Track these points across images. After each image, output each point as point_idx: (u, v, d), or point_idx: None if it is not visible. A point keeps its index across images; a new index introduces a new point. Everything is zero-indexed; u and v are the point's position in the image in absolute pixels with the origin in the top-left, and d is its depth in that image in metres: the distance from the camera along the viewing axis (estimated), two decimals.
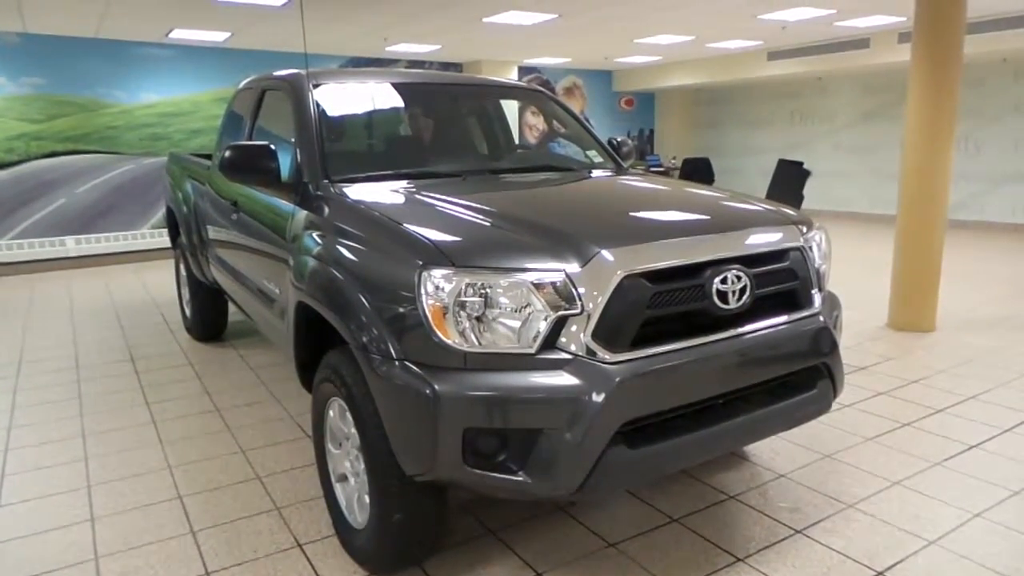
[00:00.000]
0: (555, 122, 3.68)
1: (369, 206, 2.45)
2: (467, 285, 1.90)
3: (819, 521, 2.66)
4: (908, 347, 4.80)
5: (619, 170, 3.41)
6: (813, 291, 2.39)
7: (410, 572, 2.37)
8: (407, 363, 1.95)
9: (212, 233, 4.18)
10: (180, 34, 7.95)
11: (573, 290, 1.90)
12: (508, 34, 8.33)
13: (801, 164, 9.86)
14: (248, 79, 4.02)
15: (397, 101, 3.30)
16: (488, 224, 2.18)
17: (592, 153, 3.56)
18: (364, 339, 2.06)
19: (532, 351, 1.89)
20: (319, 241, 2.47)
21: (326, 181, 2.74)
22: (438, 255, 1.96)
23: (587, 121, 3.69)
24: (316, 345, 2.66)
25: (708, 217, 2.32)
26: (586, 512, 2.74)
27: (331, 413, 2.48)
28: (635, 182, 3.00)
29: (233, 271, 3.80)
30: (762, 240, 2.26)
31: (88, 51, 8.23)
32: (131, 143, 8.58)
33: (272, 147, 2.83)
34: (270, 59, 9.18)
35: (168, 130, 8.76)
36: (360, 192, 2.63)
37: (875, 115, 11.22)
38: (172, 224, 5.30)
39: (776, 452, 3.21)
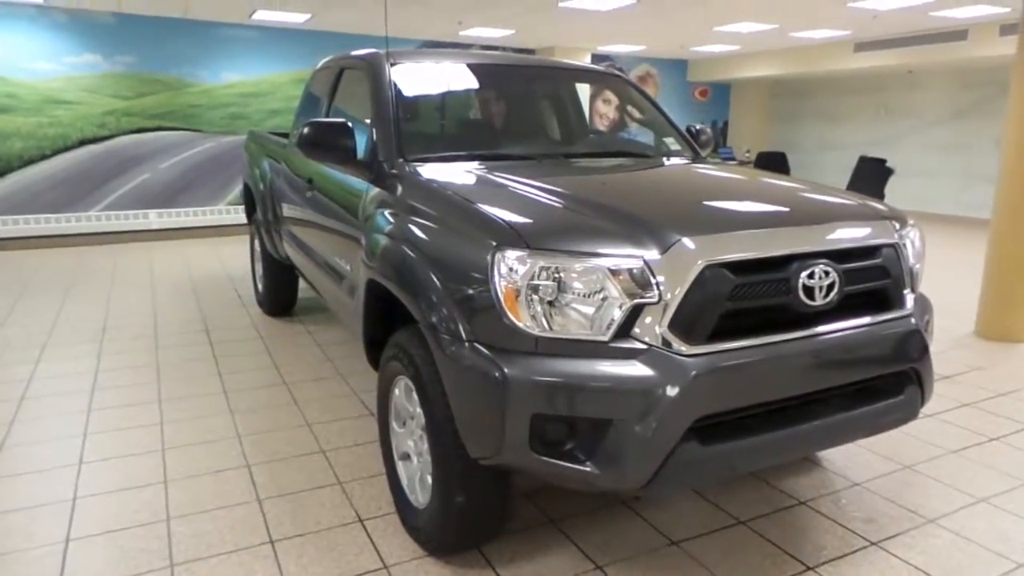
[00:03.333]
0: (632, 107, 3.58)
1: (443, 185, 2.43)
2: (541, 268, 1.86)
3: (897, 535, 2.52)
4: (997, 357, 4.51)
5: (696, 158, 3.30)
6: (905, 291, 2.25)
7: (468, 555, 2.36)
8: (477, 345, 1.93)
9: (286, 210, 4.27)
10: (262, 15, 8.15)
11: (651, 278, 1.84)
12: (583, 19, 8.20)
13: (884, 162, 9.39)
14: (326, 59, 4.07)
15: (473, 82, 3.27)
16: (563, 207, 2.13)
17: (670, 140, 3.45)
18: (434, 319, 2.05)
19: (605, 339, 1.84)
20: (392, 219, 2.47)
21: (401, 160, 2.74)
22: (513, 236, 1.92)
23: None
24: (385, 323, 2.68)
25: (795, 209, 2.21)
26: (650, 508, 2.68)
27: (397, 392, 2.48)
28: (714, 170, 2.89)
29: (305, 247, 3.87)
30: (853, 235, 2.14)
31: (176, 31, 8.53)
32: (212, 121, 8.87)
33: (349, 125, 2.85)
34: (347, 41, 9.32)
35: (247, 110, 9.01)
36: (434, 171, 2.62)
37: (968, 112, 10.58)
38: (249, 200, 5.45)
39: (852, 459, 3.07)
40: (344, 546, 2.43)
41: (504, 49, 10.60)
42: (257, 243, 5.29)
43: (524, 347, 1.87)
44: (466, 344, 1.95)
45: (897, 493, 2.81)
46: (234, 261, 7.45)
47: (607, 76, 3.67)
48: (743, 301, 1.91)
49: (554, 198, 2.21)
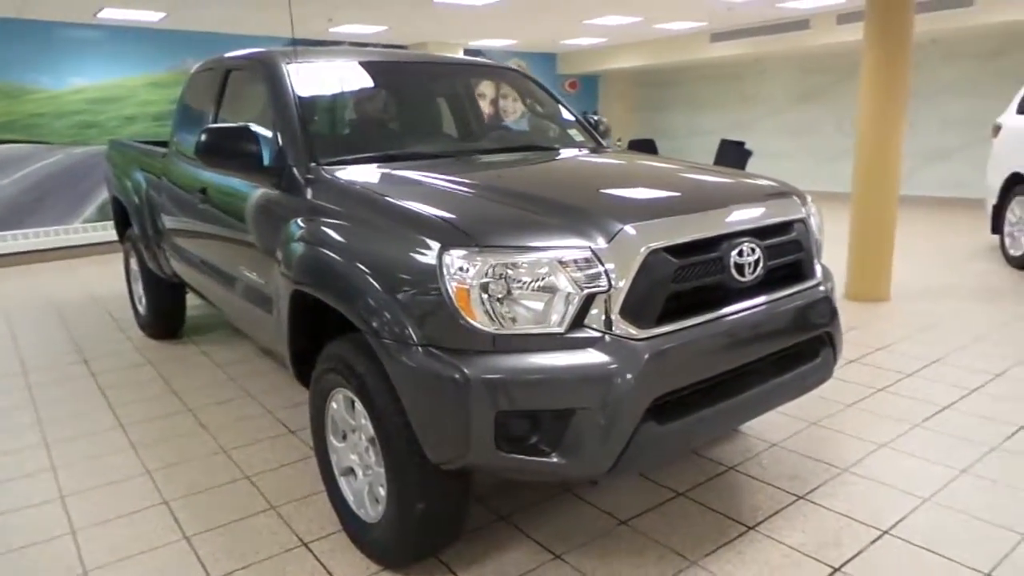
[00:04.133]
0: (533, 101, 3.62)
1: (367, 187, 2.35)
2: (492, 265, 1.84)
3: (818, 486, 2.73)
4: (868, 316, 4.99)
5: (599, 148, 3.39)
6: (814, 262, 2.43)
7: (428, 563, 2.31)
8: (431, 349, 1.88)
9: (172, 223, 3.96)
10: (110, 14, 7.48)
11: (600, 267, 1.87)
12: (456, 15, 8.19)
13: (743, 144, 10.09)
14: (206, 61, 3.81)
15: (374, 81, 3.17)
16: (498, 203, 2.13)
17: (573, 132, 3.53)
18: (379, 326, 1.97)
19: (561, 331, 1.86)
20: (316, 227, 2.36)
21: (313, 164, 2.62)
22: (459, 235, 1.89)
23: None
24: (311, 336, 2.56)
25: (716, 191, 2.33)
26: (592, 493, 2.73)
27: (334, 405, 2.38)
28: (629, 159, 2.98)
29: (199, 262, 3.61)
30: (770, 213, 2.29)
31: (10, 33, 7.65)
32: (59, 132, 8.06)
33: (252, 129, 2.68)
34: (206, 41, 8.76)
35: (99, 118, 8.26)
36: (352, 174, 2.53)
37: (813, 97, 11.59)
38: (120, 216, 5.00)
39: (765, 422, 3.28)
40: (293, 572, 2.30)
41: (379, 46, 10.38)
42: (134, 261, 4.88)
43: (481, 346, 1.85)
44: (419, 349, 1.89)
45: (811, 448, 3.04)
46: (100, 283, 6.83)
47: (507, 71, 3.68)
48: (684, 283, 1.98)
49: (486, 194, 2.20)
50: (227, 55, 3.62)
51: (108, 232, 8.29)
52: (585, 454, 1.85)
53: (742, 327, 2.09)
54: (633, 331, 1.88)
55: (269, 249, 2.70)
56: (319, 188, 2.50)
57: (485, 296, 1.84)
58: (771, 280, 2.23)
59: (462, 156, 2.88)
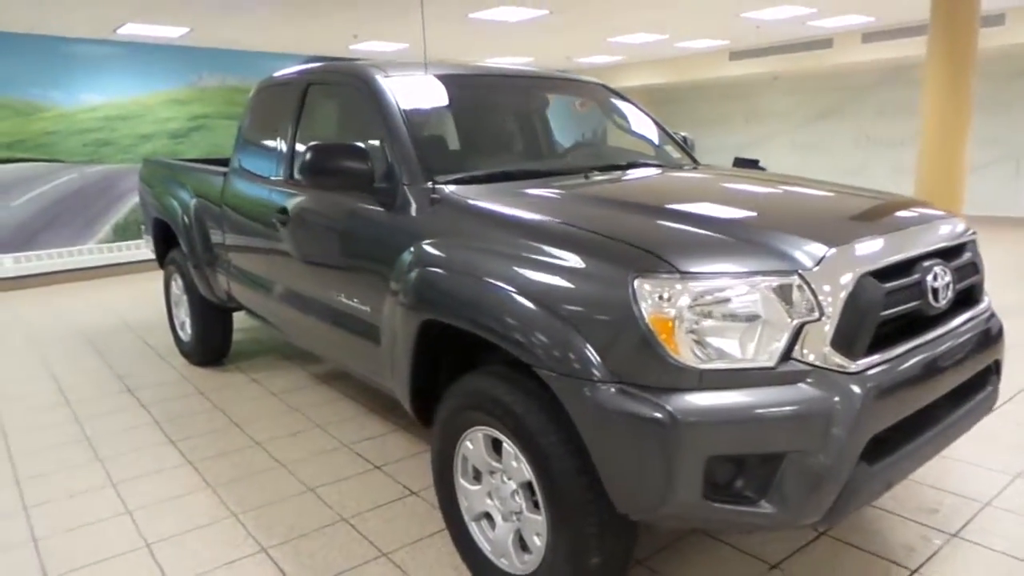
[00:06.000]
0: (629, 119, 3.47)
1: (524, 211, 2.17)
2: (697, 294, 1.67)
3: (967, 524, 2.57)
4: None
5: (706, 166, 3.25)
6: (983, 285, 2.29)
7: None
8: (625, 386, 1.70)
9: (235, 246, 3.75)
10: (132, 29, 7.26)
11: (810, 293, 1.70)
12: (486, 31, 8.07)
13: (757, 162, 10.09)
14: (276, 75, 3.62)
15: (474, 96, 3.01)
16: (679, 225, 1.95)
17: (669, 149, 3.38)
18: (556, 361, 1.79)
19: (772, 364, 1.68)
20: (456, 253, 2.16)
21: (431, 184, 2.44)
22: (653, 260, 1.72)
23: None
24: (434, 369, 2.37)
25: (895, 212, 2.18)
26: (724, 533, 2.54)
27: (469, 445, 2.18)
28: (764, 178, 2.80)
29: (272, 288, 3.40)
30: (951, 233, 2.15)
31: (23, 48, 7.40)
32: (73, 150, 7.79)
33: (363, 147, 2.50)
34: (223, 58, 8.57)
35: (115, 135, 8.01)
36: (482, 194, 2.35)
37: (828, 115, 11.61)
38: (161, 238, 4.77)
39: None
40: None
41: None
42: (178, 285, 4.64)
43: (685, 383, 1.67)
44: (610, 387, 1.71)
45: (940, 480, 2.88)
46: (125, 306, 6.55)
47: (599, 87, 3.54)
48: (891, 309, 1.83)
49: (653, 215, 2.04)
50: (301, 69, 3.44)
51: (126, 253, 8.07)
52: (798, 501, 1.67)
53: (941, 356, 1.94)
54: (845, 363, 1.71)
55: (378, 274, 2.51)
56: (447, 209, 2.31)
57: (690, 328, 1.66)
58: (956, 304, 2.08)
59: (578, 174, 2.70)
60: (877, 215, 2.16)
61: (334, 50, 8.98)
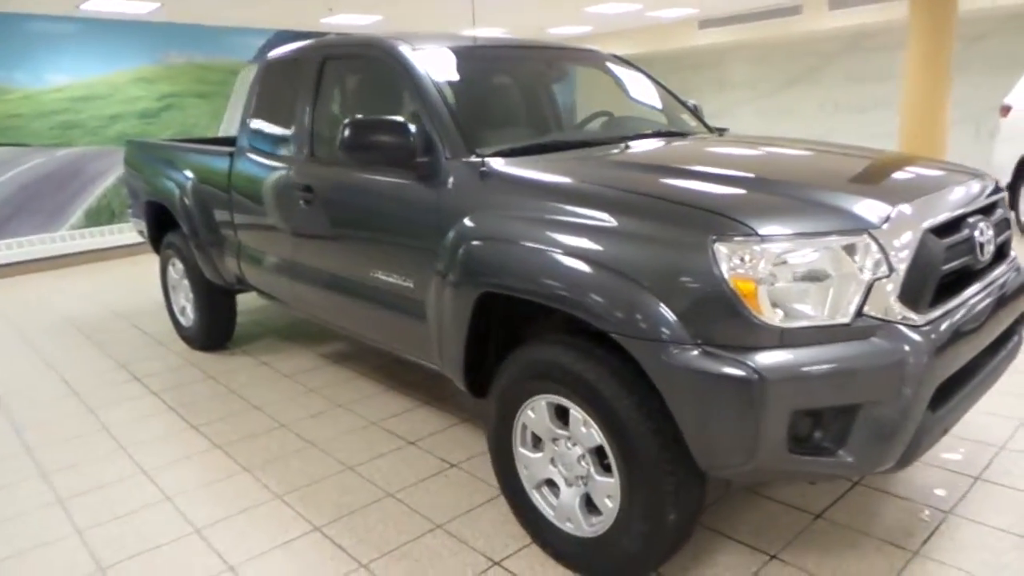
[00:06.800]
0: (650, 88, 3.49)
1: (585, 178, 2.19)
2: (777, 254, 1.72)
3: (987, 466, 2.71)
4: None
5: (725, 133, 3.31)
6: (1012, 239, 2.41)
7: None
8: (708, 348, 1.75)
9: (247, 227, 3.68)
10: (95, 5, 6.94)
11: (880, 250, 1.77)
12: (453, 1, 7.94)
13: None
14: (286, 48, 3.53)
15: (503, 68, 3.01)
16: (746, 189, 2.01)
17: (686, 117, 3.42)
18: (636, 327, 1.83)
19: (848, 320, 1.75)
20: (516, 225, 2.17)
21: (476, 157, 2.44)
22: (732, 224, 1.77)
23: None
24: (484, 342, 2.40)
25: (935, 171, 2.27)
26: (764, 486, 2.64)
27: (531, 413, 2.22)
28: (791, 143, 2.84)
29: (294, 269, 3.35)
30: (989, 189, 2.25)
31: None
32: (39, 133, 7.45)
33: (403, 121, 2.48)
34: (191, 34, 8.28)
35: (82, 116, 7.68)
36: (531, 166, 2.36)
37: (796, 82, 11.78)
38: (154, 221, 4.64)
39: None
40: None
41: None
42: (175, 270, 4.53)
43: (767, 342, 1.73)
44: (694, 349, 1.76)
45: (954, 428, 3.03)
46: (108, 294, 6.36)
47: (617, 58, 3.55)
48: (949, 263, 1.92)
49: (715, 180, 2.08)
50: (311, 44, 3.36)
51: (100, 239, 7.81)
52: (874, 449, 1.76)
53: (987, 307, 2.04)
54: (913, 316, 1.79)
55: (421, 249, 2.51)
56: (499, 182, 2.32)
57: (771, 288, 1.72)
58: (996, 258, 2.19)
59: (612, 144, 2.72)
60: (924, 174, 2.25)
61: (306, 24, 8.74)
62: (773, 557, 2.26)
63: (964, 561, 2.20)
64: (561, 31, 11.31)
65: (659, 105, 3.42)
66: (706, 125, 3.44)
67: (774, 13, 9.69)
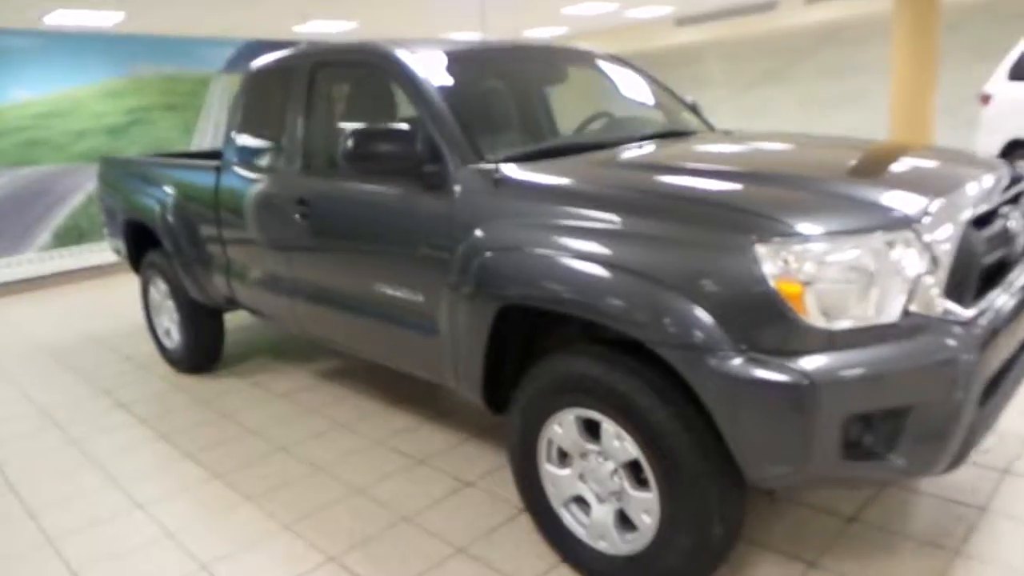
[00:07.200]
0: (647, 87, 3.41)
1: (606, 182, 2.10)
2: (821, 254, 1.65)
3: (1014, 460, 2.68)
4: None
5: (726, 132, 3.24)
6: None
7: None
8: (754, 354, 1.66)
9: (237, 241, 3.53)
10: (61, 17, 6.68)
11: (924, 245, 1.71)
12: (436, 5, 7.84)
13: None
14: (267, 59, 3.39)
15: (504, 70, 2.91)
16: (781, 188, 1.93)
17: (687, 116, 3.36)
18: (674, 335, 1.73)
19: (895, 320, 1.68)
20: (536, 234, 2.06)
21: (485, 164, 2.33)
22: (774, 224, 1.69)
23: None
24: (501, 356, 2.29)
25: (962, 162, 2.22)
26: (796, 493, 2.57)
27: (557, 428, 2.12)
28: (806, 139, 2.77)
29: (291, 286, 3.21)
30: (1016, 178, 2.20)
31: None
32: (2, 151, 7.16)
33: (408, 128, 2.37)
34: (159, 46, 8.04)
35: (48, 133, 7.40)
36: (542, 171, 2.26)
37: (773, 77, 11.85)
38: (134, 240, 4.45)
39: None
40: None
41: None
42: (157, 290, 4.35)
43: (816, 346, 1.65)
44: (738, 355, 1.67)
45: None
46: (82, 317, 6.11)
47: (614, 57, 3.47)
48: (988, 256, 1.86)
49: (746, 180, 2.00)
50: (298, 52, 3.23)
51: (70, 260, 7.55)
52: (927, 451, 1.70)
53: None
54: (959, 311, 1.73)
55: (431, 260, 2.40)
56: (515, 189, 2.21)
57: (816, 289, 1.64)
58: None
59: (623, 145, 2.63)
60: (952, 165, 2.20)
61: (278, 32, 8.55)
62: (812, 564, 2.19)
63: (1011, 557, 2.14)
64: (537, 33, 11.25)
65: (663, 105, 3.35)
66: (707, 124, 3.37)
67: (751, 9, 9.73)
